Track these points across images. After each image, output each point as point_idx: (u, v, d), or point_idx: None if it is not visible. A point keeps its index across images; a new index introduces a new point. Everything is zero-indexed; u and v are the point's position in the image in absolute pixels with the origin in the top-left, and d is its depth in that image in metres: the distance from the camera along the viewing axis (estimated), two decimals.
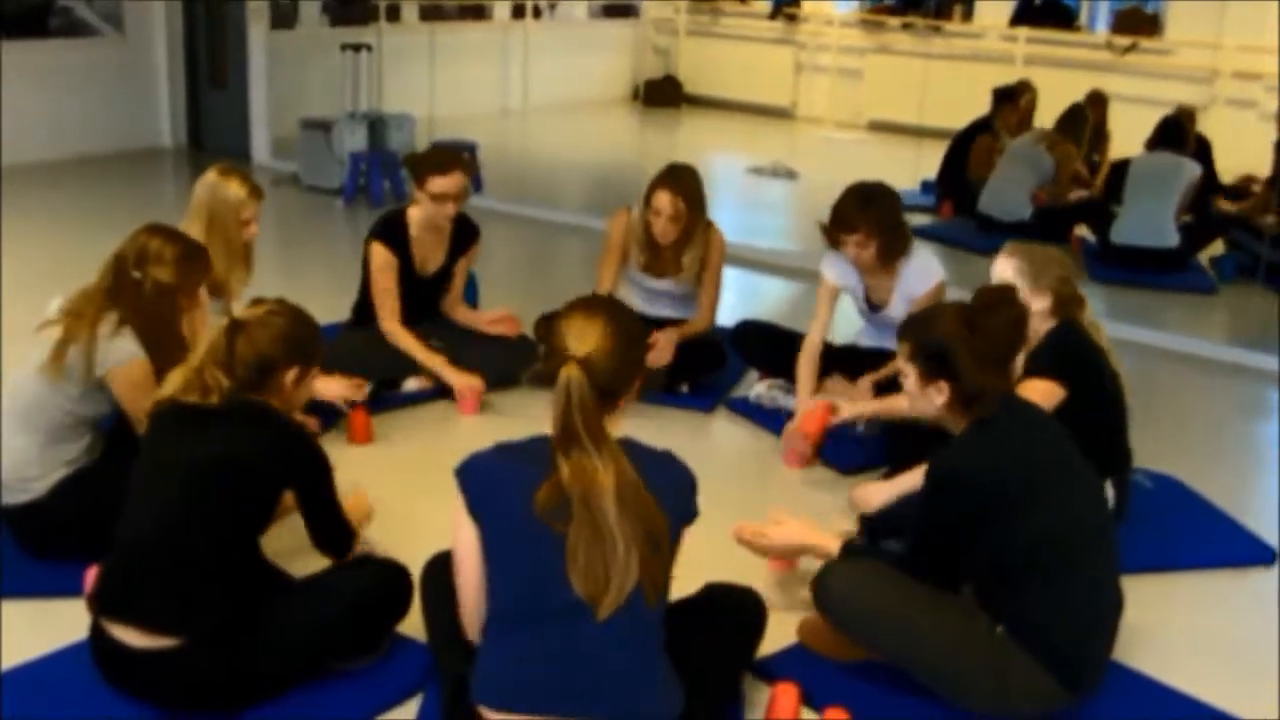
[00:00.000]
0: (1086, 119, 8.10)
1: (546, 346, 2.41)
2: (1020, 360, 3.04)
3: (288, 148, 9.02)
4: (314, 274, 5.63)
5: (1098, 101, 8.41)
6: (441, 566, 2.77)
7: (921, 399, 2.87)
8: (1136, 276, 6.94)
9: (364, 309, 4.65)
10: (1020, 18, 11.44)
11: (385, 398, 4.45)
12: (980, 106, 8.70)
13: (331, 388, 4.08)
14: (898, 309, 4.34)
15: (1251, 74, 10.06)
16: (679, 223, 4.61)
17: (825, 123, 12.16)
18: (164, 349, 3.21)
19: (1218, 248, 7.43)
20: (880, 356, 4.46)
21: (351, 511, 3.04)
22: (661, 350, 4.58)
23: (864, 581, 2.86)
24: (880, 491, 3.51)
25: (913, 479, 3.44)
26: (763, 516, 3.26)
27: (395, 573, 2.89)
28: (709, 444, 4.46)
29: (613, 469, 2.31)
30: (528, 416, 4.46)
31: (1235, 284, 7.08)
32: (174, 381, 2.79)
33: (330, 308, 5.12)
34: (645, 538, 2.30)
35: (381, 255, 4.55)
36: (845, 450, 4.22)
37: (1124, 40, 10.82)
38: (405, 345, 4.53)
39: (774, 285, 6.77)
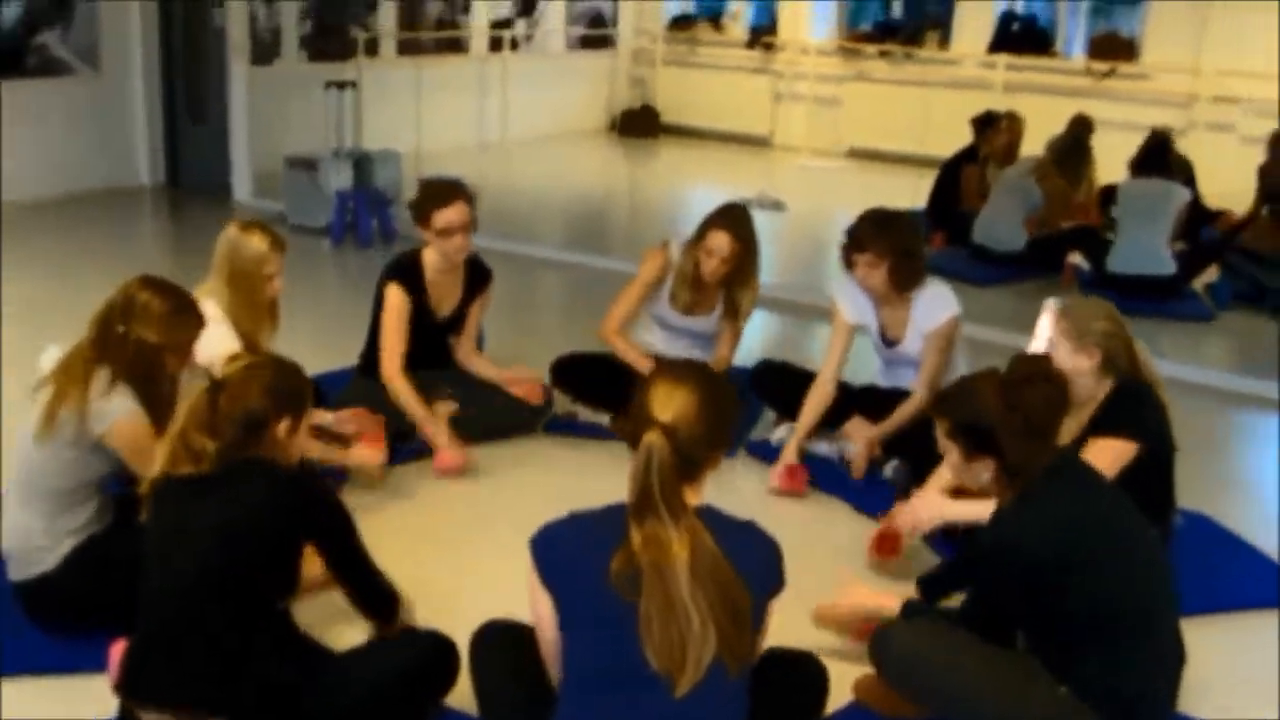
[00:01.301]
0: (1088, 150, 8.09)
1: (632, 408, 2.35)
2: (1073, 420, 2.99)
3: (269, 186, 8.90)
4: (304, 317, 5.49)
5: (1084, 125, 8.40)
6: (494, 637, 2.70)
7: (968, 473, 2.85)
8: (1133, 304, 6.84)
9: (373, 357, 4.52)
10: (998, 44, 11.48)
11: (399, 449, 4.33)
12: (961, 133, 8.71)
13: (361, 455, 4.02)
14: (913, 344, 4.32)
15: (1229, 98, 10.14)
16: (730, 264, 4.54)
17: (803, 151, 12.15)
18: (154, 408, 3.08)
19: (1211, 273, 7.42)
20: (900, 396, 4.39)
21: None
22: None
23: (923, 640, 2.81)
24: (929, 507, 3.49)
25: (958, 509, 3.44)
26: (802, 560, 3.18)
27: (442, 646, 2.78)
28: (735, 490, 4.36)
29: (688, 540, 2.23)
30: (541, 470, 4.44)
31: (1231, 309, 7.06)
32: (161, 456, 2.69)
33: (323, 351, 5.06)
34: (724, 609, 2.22)
35: (397, 297, 4.44)
36: (875, 497, 4.14)
37: (1102, 65, 10.87)
38: (402, 398, 4.34)
39: (772, 321, 6.69)
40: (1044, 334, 3.53)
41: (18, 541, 3.12)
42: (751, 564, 2.31)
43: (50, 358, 5.19)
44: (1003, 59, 11.27)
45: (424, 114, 10.36)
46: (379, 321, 4.48)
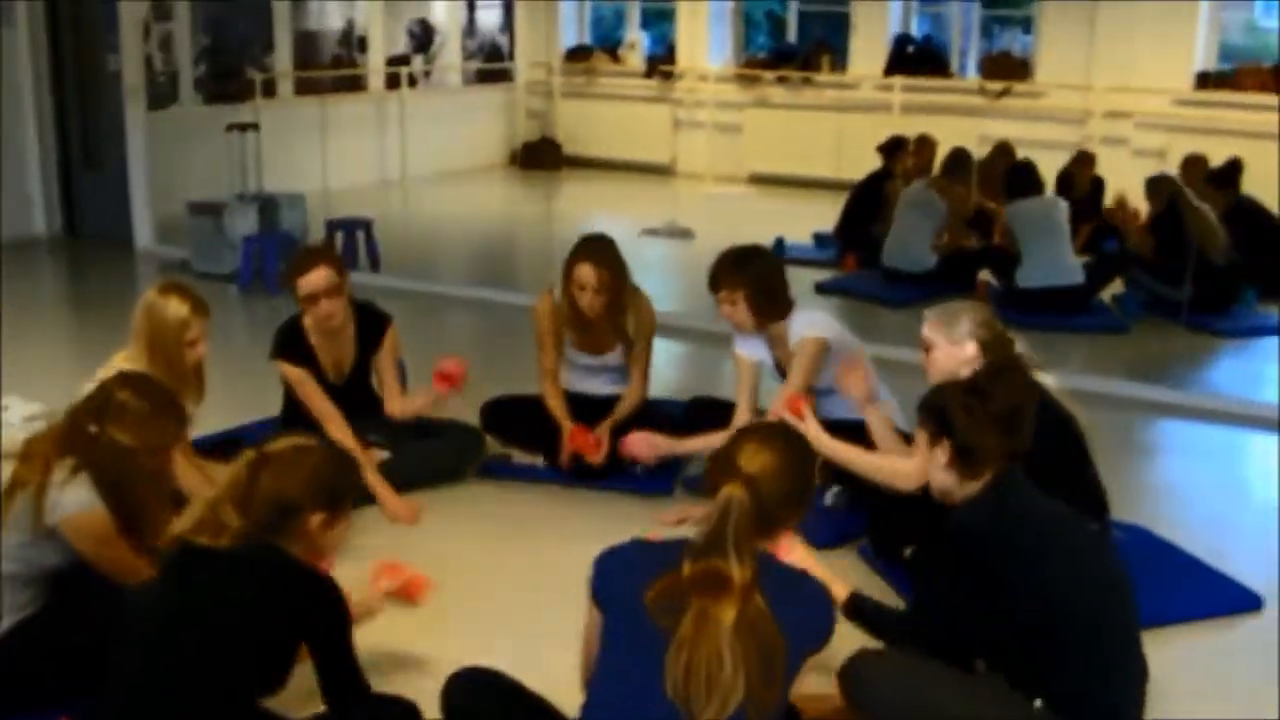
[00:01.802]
0: (969, 160, 8.23)
1: (719, 458, 2.40)
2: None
3: (171, 232, 8.71)
4: (215, 368, 5.22)
5: (1004, 153, 8.57)
6: (465, 685, 2.65)
7: (937, 470, 2.87)
8: (1045, 319, 7.02)
9: (294, 417, 4.38)
10: (894, 66, 11.64)
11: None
12: (861, 156, 8.82)
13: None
14: None
15: (1121, 113, 10.40)
16: (604, 294, 4.48)
17: (706, 178, 12.19)
18: (126, 511, 2.95)
19: (1117, 286, 7.59)
20: (831, 426, 4.37)
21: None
22: (602, 447, 4.48)
23: (893, 672, 2.79)
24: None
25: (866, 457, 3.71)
26: None
27: (402, 711, 2.70)
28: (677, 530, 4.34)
29: (744, 593, 2.23)
30: (479, 515, 4.38)
31: (1141, 320, 7.21)
32: (188, 517, 2.57)
33: (238, 401, 4.97)
34: (759, 662, 2.21)
35: (292, 372, 4.33)
36: (816, 525, 4.12)
37: (996, 85, 11.09)
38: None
39: (686, 351, 6.68)
40: (924, 335, 3.63)
41: None
42: (797, 616, 2.30)
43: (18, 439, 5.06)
44: (899, 80, 11.43)
45: (325, 154, 10.23)
46: (292, 397, 4.40)
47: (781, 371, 4.41)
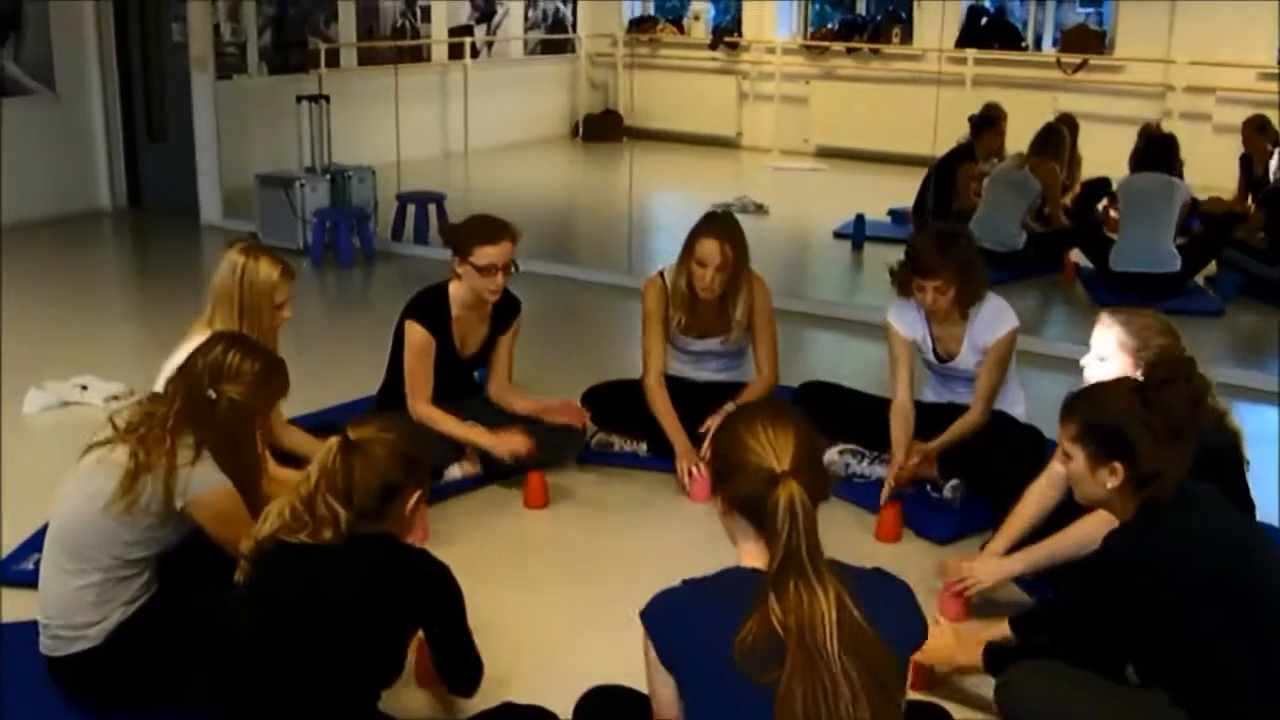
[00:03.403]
0: (1064, 137, 7.99)
1: (735, 466, 2.12)
2: None
3: (236, 205, 8.60)
4: (292, 344, 5.10)
5: (1069, 125, 8.31)
6: (599, 705, 2.52)
7: (1090, 483, 2.65)
8: (1138, 302, 6.78)
9: (393, 392, 4.30)
10: (966, 39, 11.37)
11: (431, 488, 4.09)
12: (928, 130, 8.58)
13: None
14: (967, 359, 4.20)
15: (1203, 88, 10.09)
16: (726, 272, 4.32)
17: (772, 151, 11.99)
18: (242, 475, 2.88)
19: (1210, 268, 7.35)
20: (947, 410, 4.26)
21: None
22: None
23: (1052, 686, 2.66)
24: (999, 567, 3.35)
25: (1031, 556, 3.31)
26: None
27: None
28: None
29: (834, 600, 2.02)
30: (590, 501, 4.27)
31: (1237, 304, 6.99)
32: (274, 516, 2.46)
33: (319, 380, 4.85)
34: (872, 679, 2.01)
35: (419, 336, 4.21)
36: (934, 519, 3.98)
37: (1073, 58, 10.80)
38: (441, 425, 4.17)
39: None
40: (1100, 345, 3.38)
41: (59, 614, 2.85)
42: (890, 617, 2.09)
43: (35, 401, 4.99)
44: (971, 53, 11.16)
45: (389, 126, 10.07)
46: (398, 358, 4.27)
47: (937, 352, 4.25)
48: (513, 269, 4.23)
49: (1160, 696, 2.61)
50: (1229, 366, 5.86)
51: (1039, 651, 2.75)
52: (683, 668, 2.08)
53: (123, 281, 7.81)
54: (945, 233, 4.16)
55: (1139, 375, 3.20)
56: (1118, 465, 2.58)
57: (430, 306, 4.26)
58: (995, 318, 4.12)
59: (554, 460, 4.36)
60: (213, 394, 2.83)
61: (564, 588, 3.64)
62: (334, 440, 2.48)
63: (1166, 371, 2.70)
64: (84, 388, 5.08)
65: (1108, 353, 3.34)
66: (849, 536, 3.93)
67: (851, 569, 2.14)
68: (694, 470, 4.22)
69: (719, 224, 4.37)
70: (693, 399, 4.44)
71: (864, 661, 2.01)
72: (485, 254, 4.15)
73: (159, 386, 3.16)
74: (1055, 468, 3.32)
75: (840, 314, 6.65)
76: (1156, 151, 7.35)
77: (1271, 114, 9.07)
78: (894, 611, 2.12)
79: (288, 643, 2.36)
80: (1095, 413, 2.65)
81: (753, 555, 2.12)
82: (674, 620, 2.10)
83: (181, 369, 2.95)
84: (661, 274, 4.51)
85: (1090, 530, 3.10)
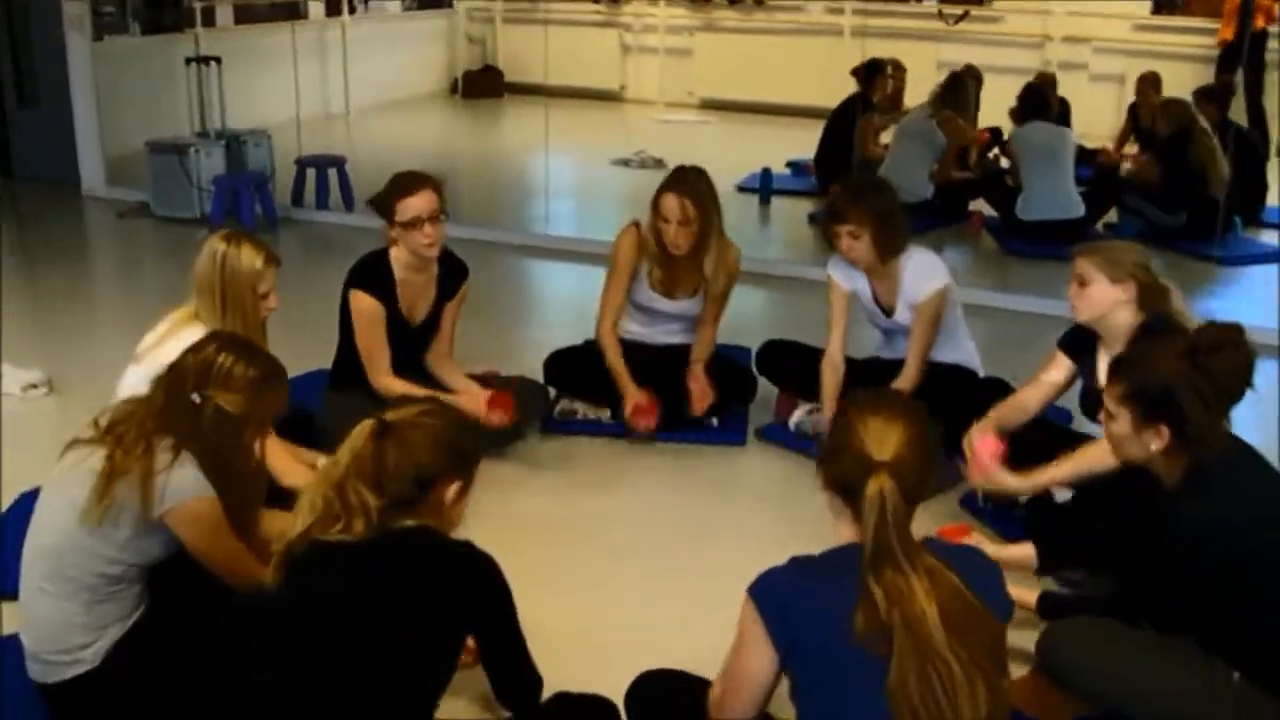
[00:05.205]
0: (968, 87, 8.11)
1: (840, 448, 2.11)
2: None
3: (121, 174, 8.23)
4: None
5: (974, 77, 8.44)
6: (654, 690, 2.49)
7: (1134, 444, 2.66)
8: (1045, 249, 6.97)
9: (347, 368, 4.15)
10: None
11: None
12: (812, 80, 8.62)
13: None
14: (904, 314, 4.23)
15: (1080, 37, 10.35)
16: (690, 227, 4.27)
17: (657, 104, 11.95)
18: (229, 494, 2.66)
19: (1111, 216, 7.55)
20: (896, 368, 4.28)
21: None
22: (704, 396, 4.38)
23: (1094, 642, 2.69)
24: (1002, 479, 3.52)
25: (1035, 477, 3.45)
26: None
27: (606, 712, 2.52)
28: (754, 480, 4.20)
29: (931, 584, 2.02)
30: (544, 470, 4.19)
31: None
32: (307, 510, 2.27)
33: None
34: (983, 653, 2.00)
35: (368, 305, 4.05)
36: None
37: (954, 9, 10.96)
38: (409, 394, 4.05)
39: None
40: (1083, 274, 3.48)
41: (50, 638, 2.63)
42: (989, 593, 2.10)
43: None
44: (850, 4, 11.24)
45: (269, 86, 9.74)
46: (348, 333, 4.11)
47: (880, 305, 4.27)
48: (442, 217, 4.05)
49: (1192, 646, 2.63)
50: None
51: (1099, 607, 2.79)
52: (797, 644, 2.07)
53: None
54: (864, 183, 4.26)
55: (1124, 295, 3.40)
56: (1163, 428, 2.58)
57: (373, 273, 4.09)
58: (924, 274, 4.14)
59: (516, 429, 4.25)
60: (197, 398, 2.62)
61: (535, 557, 3.52)
62: (367, 422, 2.33)
63: (1217, 335, 2.71)
64: None
65: (1090, 275, 3.47)
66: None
67: (947, 547, 2.16)
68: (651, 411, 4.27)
69: (680, 179, 4.32)
70: (644, 362, 4.42)
71: (976, 639, 2.01)
72: (408, 207, 3.98)
73: (136, 390, 2.98)
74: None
75: (765, 270, 6.63)
76: (1037, 102, 7.54)
77: (1146, 62, 9.39)
78: (992, 587, 2.13)
79: (328, 656, 2.20)
80: (1144, 375, 2.64)
81: (850, 536, 2.12)
82: (786, 598, 2.09)
83: (171, 366, 2.72)
84: (637, 225, 4.44)
85: (1093, 460, 3.26)
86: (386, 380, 4.06)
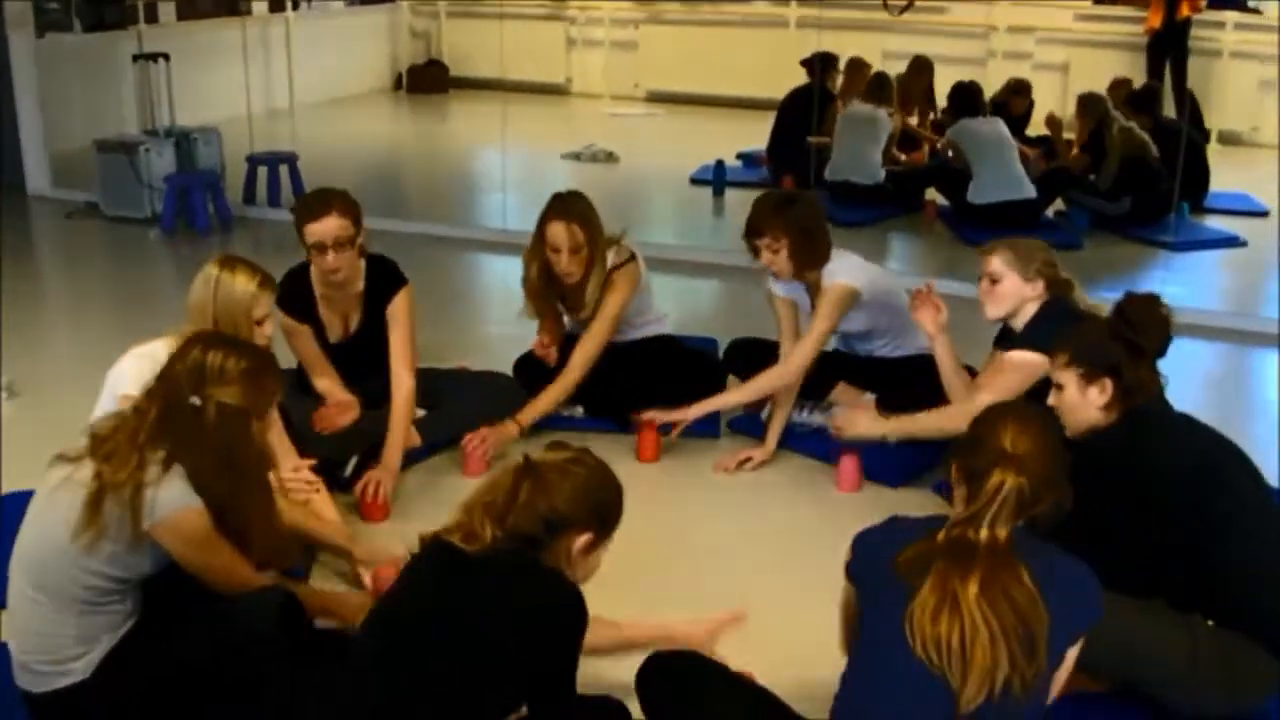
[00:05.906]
0: (890, 83, 8.15)
1: (976, 442, 2.33)
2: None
3: (66, 174, 8.10)
4: (145, 322, 4.66)
5: (923, 69, 8.54)
6: (665, 669, 2.55)
7: (1081, 406, 2.86)
8: (998, 234, 7.00)
9: (300, 377, 4.18)
10: None
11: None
12: (757, 72, 8.61)
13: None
14: (843, 321, 4.24)
15: (1024, 27, 10.48)
16: (580, 253, 4.22)
17: (603, 97, 11.95)
18: (238, 499, 2.64)
19: (1058, 205, 7.66)
20: (874, 364, 4.44)
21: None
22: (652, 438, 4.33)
23: None
24: (870, 424, 3.89)
25: (901, 423, 3.82)
26: (816, 540, 3.33)
27: (611, 712, 2.54)
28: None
29: (988, 562, 2.19)
30: None
31: (1088, 236, 7.27)
32: (455, 514, 2.43)
33: None
34: (1019, 634, 2.13)
35: (286, 325, 4.01)
36: (885, 464, 4.07)
37: (900, 1, 11.01)
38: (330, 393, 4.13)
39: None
40: (990, 269, 3.70)
41: (37, 648, 2.60)
42: (1063, 596, 2.22)
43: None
44: None
45: (215, 83, 9.63)
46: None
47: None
48: (352, 245, 3.89)
49: (1162, 606, 2.75)
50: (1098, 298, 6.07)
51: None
52: (862, 580, 2.35)
53: None
54: (785, 196, 4.27)
55: (1033, 293, 3.66)
56: (1107, 381, 2.82)
57: (291, 291, 3.99)
58: (834, 268, 4.12)
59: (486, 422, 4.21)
60: (196, 401, 2.57)
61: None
62: (520, 460, 2.43)
63: (1137, 299, 2.96)
64: None
65: (1000, 273, 3.68)
66: (812, 487, 4.02)
67: (1035, 543, 2.28)
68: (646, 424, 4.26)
69: (562, 207, 4.25)
70: (622, 362, 4.45)
71: (1017, 618, 2.14)
72: (311, 232, 3.87)
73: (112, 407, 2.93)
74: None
75: (721, 260, 6.63)
76: (972, 96, 7.75)
77: (1087, 51, 9.54)
78: (1069, 594, 2.24)
79: (433, 649, 2.28)
80: (1081, 339, 2.92)
81: None
82: (867, 539, 2.40)
83: (160, 377, 2.67)
84: (530, 264, 4.42)
85: (954, 414, 3.54)
86: (319, 384, 4.13)
